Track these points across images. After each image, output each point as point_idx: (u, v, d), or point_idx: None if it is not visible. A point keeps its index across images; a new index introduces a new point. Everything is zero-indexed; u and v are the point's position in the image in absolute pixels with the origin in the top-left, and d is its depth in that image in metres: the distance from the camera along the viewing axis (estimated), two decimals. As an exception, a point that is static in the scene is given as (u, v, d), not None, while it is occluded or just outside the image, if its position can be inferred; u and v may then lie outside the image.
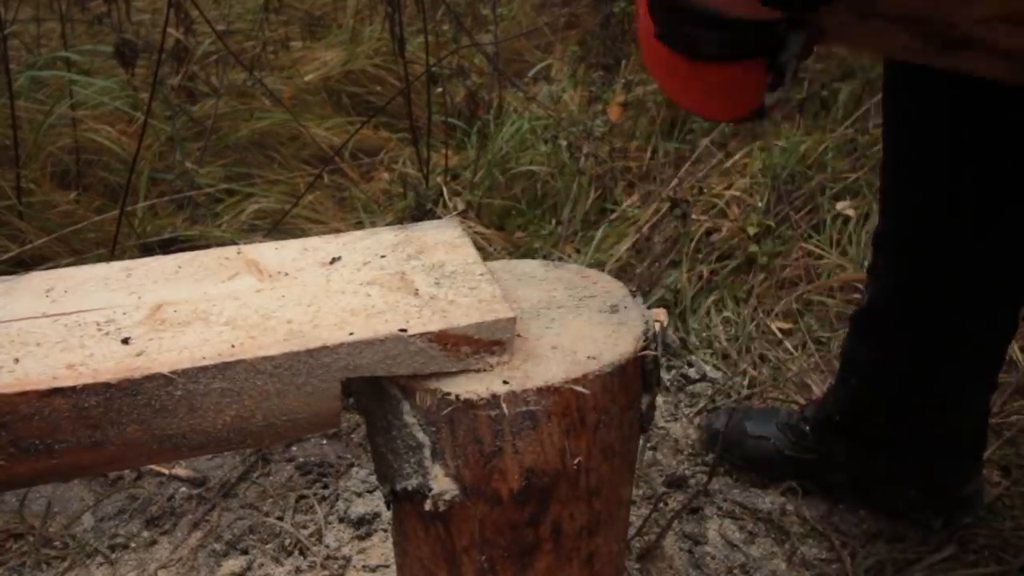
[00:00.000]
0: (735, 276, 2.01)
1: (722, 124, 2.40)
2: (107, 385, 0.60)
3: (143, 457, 0.65)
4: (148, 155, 2.31)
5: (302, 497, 1.41)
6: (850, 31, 0.75)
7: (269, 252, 0.80)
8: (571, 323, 0.77)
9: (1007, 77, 0.79)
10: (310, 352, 0.64)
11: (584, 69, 2.83)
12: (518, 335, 0.73)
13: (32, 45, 2.68)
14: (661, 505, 1.39)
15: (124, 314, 0.69)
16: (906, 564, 1.27)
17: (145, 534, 1.34)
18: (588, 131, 2.28)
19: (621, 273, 2.02)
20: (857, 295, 1.89)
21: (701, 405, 1.63)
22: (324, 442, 1.54)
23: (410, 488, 0.71)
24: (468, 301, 0.71)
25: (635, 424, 0.78)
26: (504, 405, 0.68)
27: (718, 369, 1.74)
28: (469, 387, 0.68)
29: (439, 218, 0.90)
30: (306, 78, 2.83)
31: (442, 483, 0.70)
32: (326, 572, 1.26)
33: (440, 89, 2.55)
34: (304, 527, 1.35)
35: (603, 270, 1.73)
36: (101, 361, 0.62)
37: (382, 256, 0.79)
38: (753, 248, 2.02)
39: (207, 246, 1.69)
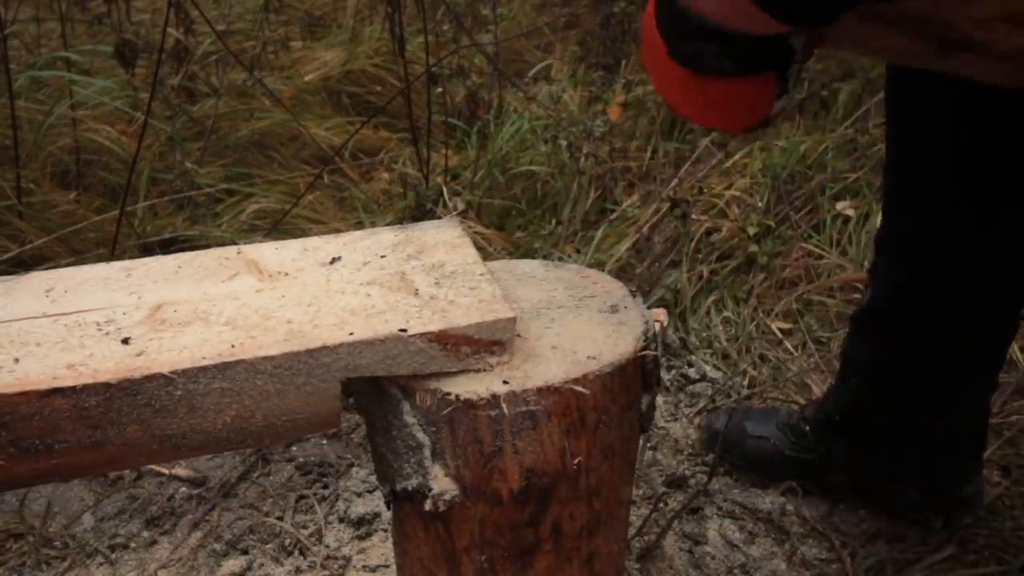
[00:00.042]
0: (735, 276, 2.01)
1: (722, 125, 2.39)
2: (107, 385, 0.60)
3: (143, 457, 0.65)
4: (148, 155, 2.31)
5: (302, 497, 1.41)
6: (850, 34, 0.75)
7: (269, 252, 0.80)
8: (571, 323, 0.77)
9: (1006, 81, 0.79)
10: (310, 352, 0.64)
11: (584, 69, 2.83)
12: (518, 335, 0.73)
13: (32, 45, 2.68)
14: (661, 505, 1.39)
15: (124, 314, 0.69)
16: (906, 564, 1.27)
17: (145, 534, 1.34)
18: (588, 131, 2.28)
19: (621, 273, 2.02)
20: (857, 295, 1.89)
21: (701, 405, 1.63)
22: (324, 442, 1.54)
23: (410, 488, 0.71)
24: (468, 301, 0.71)
25: (635, 424, 0.78)
26: (504, 405, 0.68)
27: (718, 369, 1.74)
28: (469, 387, 0.68)
29: (439, 218, 0.90)
30: (306, 78, 2.83)
31: (442, 483, 0.70)
32: (326, 572, 1.26)
33: (440, 89, 2.55)
34: (304, 527, 1.35)
35: (603, 270, 1.73)
36: (101, 361, 0.62)
37: (382, 256, 0.79)
38: (753, 248, 2.02)
39: (207, 246, 1.69)
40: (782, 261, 2.01)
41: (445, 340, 0.68)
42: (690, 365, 1.74)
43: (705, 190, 2.23)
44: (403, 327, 0.67)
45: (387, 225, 1.59)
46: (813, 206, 2.17)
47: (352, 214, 2.29)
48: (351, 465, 1.47)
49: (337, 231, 0.88)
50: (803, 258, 2.00)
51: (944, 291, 1.14)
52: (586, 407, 0.70)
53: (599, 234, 2.10)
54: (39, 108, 2.33)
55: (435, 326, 0.68)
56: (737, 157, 2.37)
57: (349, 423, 1.57)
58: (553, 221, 2.25)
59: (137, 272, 0.76)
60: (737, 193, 2.22)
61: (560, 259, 2.01)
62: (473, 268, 0.77)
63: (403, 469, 0.71)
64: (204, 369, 0.62)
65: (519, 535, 0.73)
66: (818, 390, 1.64)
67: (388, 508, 0.79)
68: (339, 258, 0.79)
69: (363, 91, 2.88)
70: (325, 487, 1.43)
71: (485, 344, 0.69)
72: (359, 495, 1.40)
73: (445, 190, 2.24)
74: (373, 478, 1.42)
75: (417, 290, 0.73)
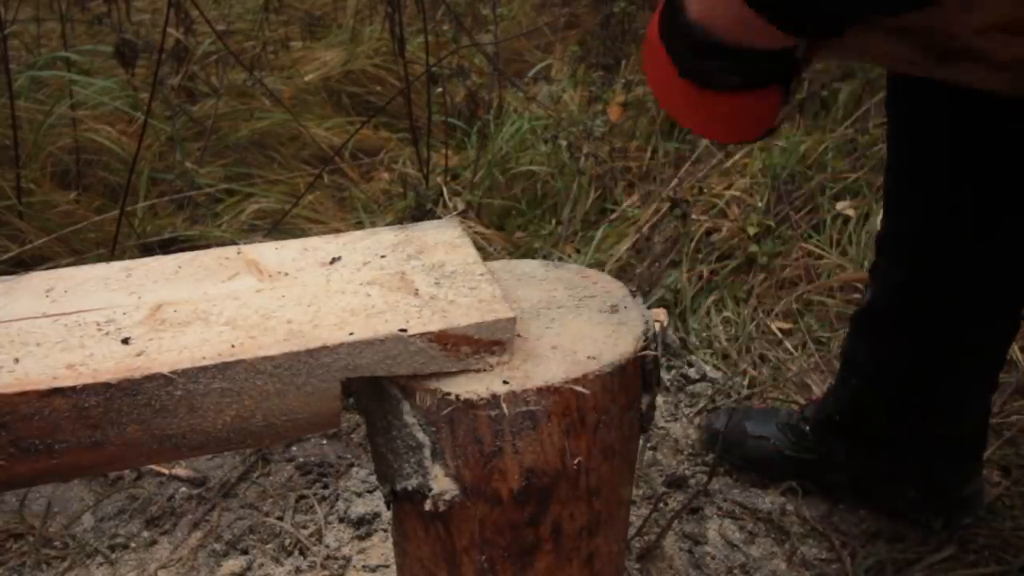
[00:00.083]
0: (735, 276, 2.01)
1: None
2: (107, 385, 0.60)
3: (143, 457, 0.65)
4: (148, 155, 2.31)
5: (302, 497, 1.41)
6: (850, 42, 0.75)
7: (269, 252, 0.80)
8: (571, 323, 0.77)
9: (1005, 89, 0.79)
10: (310, 352, 0.64)
11: (584, 69, 2.83)
12: (518, 335, 0.73)
13: (32, 45, 2.68)
14: (661, 505, 1.39)
15: (124, 314, 0.69)
16: (906, 564, 1.27)
17: (145, 534, 1.34)
18: (588, 131, 2.28)
19: (621, 273, 2.02)
20: (857, 295, 1.89)
21: (701, 405, 1.63)
22: (324, 442, 1.54)
23: (410, 488, 0.71)
24: (468, 301, 0.71)
25: (635, 424, 0.78)
26: (504, 405, 0.68)
27: (718, 369, 1.74)
28: (469, 387, 0.68)
29: (439, 218, 0.90)
30: (306, 78, 2.83)
31: (442, 483, 0.70)
32: (326, 572, 1.26)
33: (440, 89, 2.55)
34: (304, 527, 1.35)
35: (603, 270, 1.73)
36: (101, 361, 0.62)
37: (382, 256, 0.79)
38: (753, 248, 2.02)
39: (207, 246, 1.69)
40: (782, 261, 2.01)
41: (445, 340, 0.68)
42: (690, 365, 1.74)
43: (705, 190, 2.23)
44: (403, 327, 0.67)
45: (387, 225, 1.59)
46: (813, 206, 2.17)
47: (352, 214, 2.29)
48: (351, 465, 1.47)
49: (337, 231, 0.88)
50: (803, 258, 2.00)
51: (945, 292, 1.14)
52: (586, 407, 0.70)
53: (599, 234, 2.10)
54: (39, 108, 2.33)
55: (435, 326, 0.68)
56: (737, 157, 2.37)
57: (349, 423, 1.57)
58: (553, 221, 2.25)
59: (137, 272, 0.76)
60: (737, 193, 2.22)
61: (560, 259, 2.01)
62: (473, 268, 0.77)
63: (403, 469, 0.71)
64: (204, 369, 0.62)
65: (519, 535, 0.73)
66: (818, 390, 1.64)
67: (388, 508, 0.79)
68: (339, 258, 0.79)
69: (363, 91, 2.88)
70: (325, 487, 1.43)
71: (485, 344, 0.69)
72: (359, 495, 1.40)
73: (445, 190, 2.24)
74: (373, 478, 1.42)
75: (417, 290, 0.73)
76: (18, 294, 0.72)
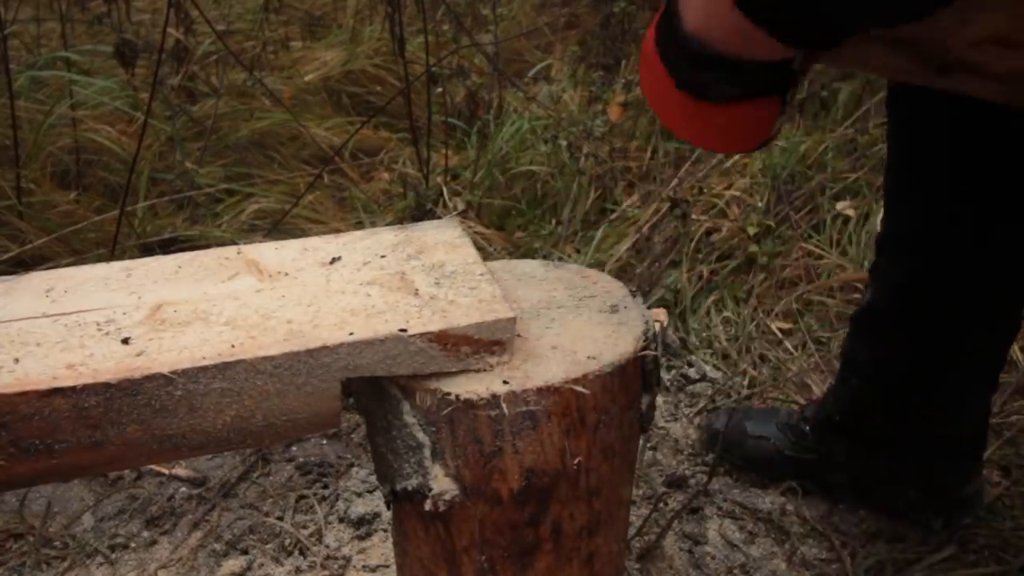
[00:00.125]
0: (735, 276, 2.01)
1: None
2: (107, 385, 0.60)
3: (143, 457, 0.65)
4: (148, 155, 2.31)
5: (302, 497, 1.41)
6: (847, 53, 0.75)
7: (269, 252, 0.80)
8: (571, 323, 0.77)
9: (1000, 99, 0.79)
10: (310, 352, 0.64)
11: (584, 69, 2.83)
12: (518, 335, 0.73)
13: (32, 45, 2.68)
14: (661, 505, 1.39)
15: (124, 314, 0.69)
16: (906, 564, 1.27)
17: (145, 534, 1.34)
18: (588, 131, 2.28)
19: (621, 273, 2.02)
20: (857, 295, 1.89)
21: (701, 405, 1.63)
22: (324, 442, 1.54)
23: (410, 488, 0.71)
24: (468, 301, 0.71)
25: (635, 424, 0.78)
26: (504, 405, 0.67)
27: (718, 369, 1.74)
28: (469, 387, 0.68)
29: (439, 218, 0.90)
30: (306, 78, 2.83)
31: (442, 483, 0.70)
32: (326, 572, 1.26)
33: (440, 89, 2.55)
34: (304, 527, 1.35)
35: (603, 270, 1.73)
36: (101, 361, 0.62)
37: (382, 256, 0.79)
38: (753, 248, 2.02)
39: (207, 246, 1.69)
40: (782, 261, 2.01)
41: (445, 340, 0.68)
42: (690, 365, 1.74)
43: (705, 190, 2.23)
44: (403, 327, 0.67)
45: (387, 225, 1.59)
46: (813, 206, 2.17)
47: (352, 214, 2.29)
48: (351, 465, 1.47)
49: (337, 231, 0.88)
50: (803, 258, 2.00)
51: (945, 292, 1.14)
52: (586, 407, 0.70)
53: (599, 234, 2.10)
54: (39, 108, 2.33)
55: (435, 326, 0.68)
56: (737, 157, 2.37)
57: (349, 423, 1.57)
58: (553, 221, 2.25)
59: (137, 272, 0.76)
60: (737, 193, 2.22)
61: (560, 259, 2.01)
62: (473, 268, 0.77)
63: (403, 469, 0.71)
64: (204, 369, 0.62)
65: (519, 535, 0.73)
66: (818, 390, 1.64)
67: (388, 508, 0.79)
68: (339, 258, 0.79)
69: (363, 91, 2.88)
70: (325, 487, 1.43)
71: (485, 344, 0.69)
72: (359, 495, 1.40)
73: (445, 190, 2.24)
74: (373, 478, 1.42)
75: (417, 290, 0.73)
76: (18, 294, 0.72)
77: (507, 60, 3.02)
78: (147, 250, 2.01)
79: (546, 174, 2.34)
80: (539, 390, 0.68)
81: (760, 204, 2.17)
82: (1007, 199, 1.05)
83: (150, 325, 0.67)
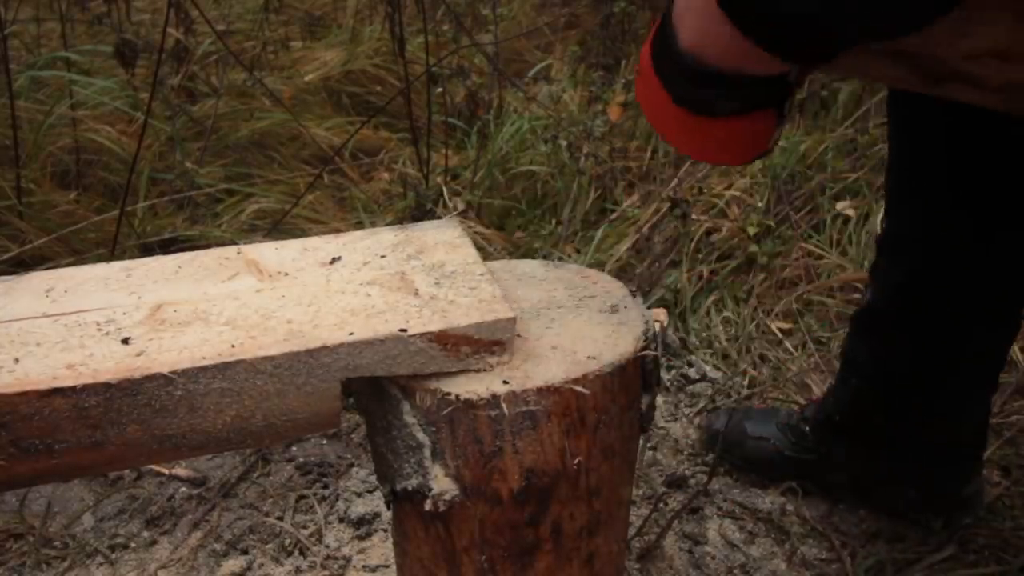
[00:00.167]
0: (735, 276, 2.01)
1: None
2: (107, 385, 0.60)
3: (143, 457, 0.65)
4: (148, 155, 2.31)
5: (302, 497, 1.41)
6: (844, 63, 0.75)
7: (269, 252, 0.80)
8: (571, 323, 0.77)
9: (998, 108, 0.79)
10: (310, 352, 0.64)
11: (584, 69, 2.83)
12: (518, 335, 0.73)
13: (32, 45, 2.68)
14: (661, 505, 1.39)
15: (124, 314, 0.69)
16: (906, 564, 1.27)
17: (145, 534, 1.34)
18: (588, 131, 2.28)
19: (621, 273, 2.02)
20: (857, 295, 1.89)
21: (701, 405, 1.63)
22: (324, 442, 1.54)
23: (410, 488, 0.71)
24: (468, 301, 0.71)
25: (635, 424, 0.78)
26: (504, 405, 0.67)
27: (718, 369, 1.74)
28: (469, 387, 0.68)
29: (439, 218, 0.90)
30: (306, 78, 2.83)
31: (442, 483, 0.70)
32: (326, 572, 1.26)
33: (440, 89, 2.55)
34: (304, 527, 1.35)
35: (603, 270, 1.73)
36: (101, 361, 0.62)
37: (382, 256, 0.79)
38: (753, 248, 2.02)
39: (207, 246, 1.69)
40: (782, 261, 2.01)
41: (445, 340, 0.68)
42: (690, 365, 1.74)
43: (705, 190, 2.23)
44: (403, 327, 0.67)
45: (387, 225, 1.59)
46: (813, 206, 2.17)
47: (352, 214, 2.29)
48: (351, 465, 1.47)
49: (337, 231, 0.88)
50: (803, 258, 2.00)
51: (945, 292, 1.14)
52: (586, 407, 0.70)
53: (599, 234, 2.10)
54: (39, 108, 2.33)
55: (435, 326, 0.68)
56: (737, 157, 2.37)
57: (349, 423, 1.57)
58: (553, 221, 2.25)
59: (137, 272, 0.76)
60: (737, 193, 2.22)
61: (560, 259, 2.01)
62: (473, 268, 0.77)
63: (403, 469, 0.71)
64: (204, 369, 0.62)
65: (519, 535, 0.73)
66: (818, 390, 1.64)
67: (388, 508, 0.79)
68: (339, 258, 0.79)
69: (363, 91, 2.88)
70: (325, 487, 1.43)
71: (485, 344, 0.69)
72: (359, 495, 1.40)
73: (445, 190, 2.24)
74: (373, 478, 1.42)
75: (417, 290, 0.73)
76: (18, 294, 0.72)
77: (507, 60, 3.02)
78: (147, 250, 2.01)
79: (546, 174, 2.34)
80: (539, 390, 0.68)
81: (760, 204, 2.17)
82: (1007, 201, 1.06)
83: (150, 325, 0.67)
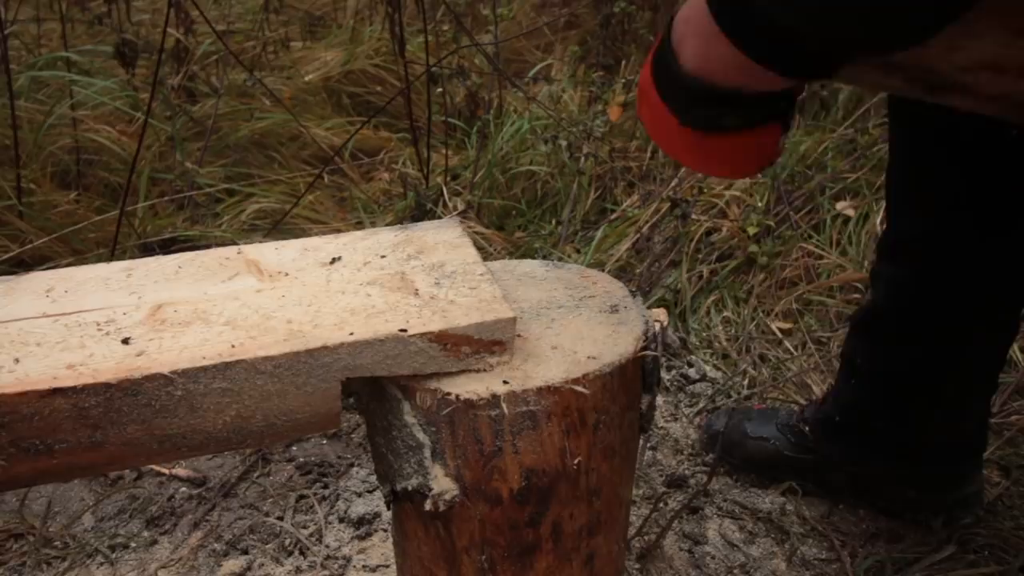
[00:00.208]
0: (735, 276, 2.01)
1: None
2: (107, 385, 0.60)
3: (143, 457, 0.65)
4: (148, 155, 2.31)
5: (302, 497, 1.41)
6: (842, 73, 0.76)
7: (269, 252, 0.80)
8: (571, 323, 0.77)
9: (996, 115, 0.79)
10: (310, 352, 0.64)
11: (584, 69, 2.83)
12: (518, 335, 0.73)
13: (32, 45, 2.68)
14: (661, 505, 1.39)
15: (124, 314, 0.69)
16: (906, 564, 1.27)
17: (145, 534, 1.34)
18: (588, 131, 2.28)
19: (621, 273, 2.02)
20: (857, 295, 1.89)
21: (701, 405, 1.63)
22: (324, 442, 1.54)
23: (410, 488, 0.71)
24: (468, 301, 0.71)
25: (635, 424, 0.78)
26: (504, 405, 0.68)
27: (718, 369, 1.74)
28: (469, 387, 0.68)
29: (439, 218, 0.90)
30: (306, 78, 2.83)
31: (442, 483, 0.70)
32: (326, 572, 1.26)
33: (440, 89, 2.55)
34: (304, 527, 1.35)
35: (603, 270, 1.73)
36: (101, 361, 0.62)
37: (382, 256, 0.79)
38: (753, 248, 2.02)
39: (207, 246, 1.69)
40: (782, 261, 2.01)
41: (445, 340, 0.68)
42: (690, 365, 1.74)
43: (705, 190, 2.23)
44: (403, 327, 0.67)
45: (387, 225, 1.59)
46: (813, 206, 2.17)
47: (352, 214, 2.29)
48: (351, 465, 1.47)
49: (337, 231, 0.88)
50: (803, 258, 2.00)
51: (945, 293, 1.14)
52: (586, 407, 0.70)
53: (599, 234, 2.10)
54: (39, 108, 2.34)
55: (435, 326, 0.68)
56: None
57: (349, 423, 1.57)
58: (553, 221, 2.24)
59: (137, 272, 0.76)
60: (737, 193, 2.22)
61: (560, 259, 2.01)
62: (473, 268, 0.77)
63: (403, 469, 0.71)
64: (204, 369, 0.62)
65: (519, 535, 0.73)
66: (818, 390, 1.64)
67: (388, 508, 0.79)
68: (339, 258, 0.79)
69: (363, 91, 2.88)
70: (325, 487, 1.43)
71: (485, 344, 0.69)
72: (359, 495, 1.40)
73: (445, 190, 2.24)
74: (373, 478, 1.42)
75: (417, 290, 0.73)
76: (18, 294, 0.72)
77: (507, 60, 3.02)
78: (147, 250, 2.01)
79: (546, 174, 2.34)
80: (539, 390, 0.68)
81: (760, 204, 2.17)
82: (1007, 202, 1.06)
83: (150, 325, 0.67)
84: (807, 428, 1.37)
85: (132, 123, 2.45)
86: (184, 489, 1.43)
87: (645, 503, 1.39)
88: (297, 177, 2.42)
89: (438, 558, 0.76)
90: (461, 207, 2.20)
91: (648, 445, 1.52)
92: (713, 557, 1.30)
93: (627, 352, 0.73)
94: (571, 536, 0.75)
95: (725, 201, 2.19)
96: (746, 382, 1.69)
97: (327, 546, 1.30)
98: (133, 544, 1.32)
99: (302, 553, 1.30)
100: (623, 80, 2.47)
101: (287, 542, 1.32)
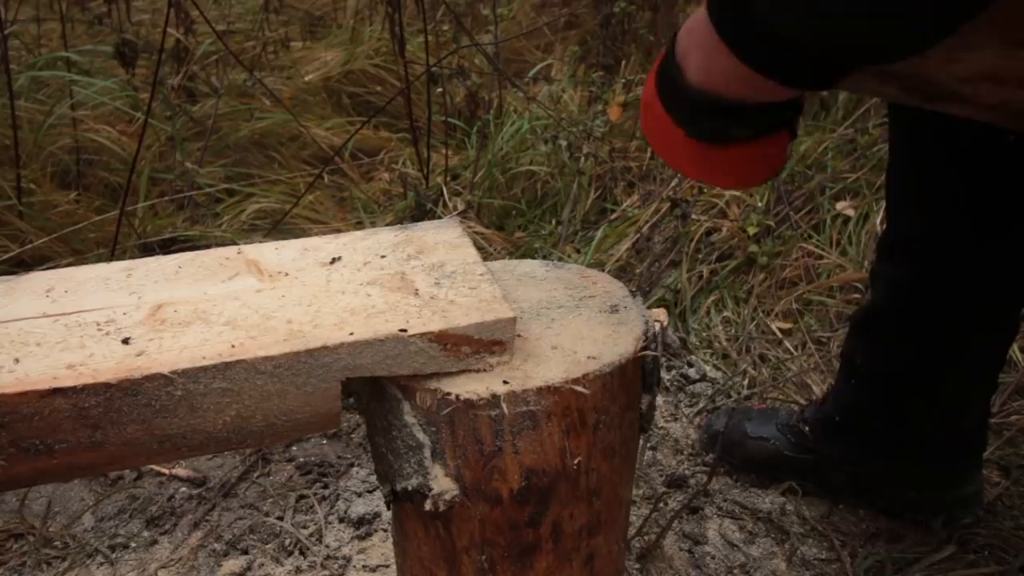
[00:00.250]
0: (735, 276, 2.01)
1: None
2: (107, 385, 0.60)
3: (143, 457, 0.65)
4: (148, 155, 2.31)
5: (302, 497, 1.41)
6: (840, 81, 0.76)
7: (269, 252, 0.80)
8: (571, 323, 0.77)
9: (994, 122, 0.79)
10: (310, 352, 0.64)
11: (584, 69, 2.83)
12: (518, 335, 0.73)
13: (32, 45, 2.69)
14: (661, 505, 1.39)
15: (124, 314, 0.69)
16: (906, 564, 1.27)
17: (145, 534, 1.34)
18: (588, 131, 2.28)
19: (621, 273, 2.02)
20: (857, 295, 1.89)
21: (701, 405, 1.63)
22: (324, 442, 1.54)
23: (410, 488, 0.71)
24: (468, 301, 0.71)
25: (635, 424, 0.78)
26: (504, 405, 0.68)
27: (718, 369, 1.74)
28: (469, 387, 0.68)
29: (439, 218, 0.90)
30: (306, 78, 2.83)
31: (442, 483, 0.70)
32: (326, 572, 1.26)
33: (440, 89, 2.55)
34: (304, 527, 1.35)
35: (603, 270, 1.73)
36: (101, 361, 0.62)
37: (382, 256, 0.79)
38: (753, 248, 2.02)
39: (207, 246, 1.69)
40: (782, 261, 2.01)
41: (445, 340, 0.68)
42: (690, 365, 1.74)
43: (705, 190, 2.23)
44: (403, 327, 0.67)
45: (387, 225, 1.59)
46: (813, 206, 2.17)
47: (352, 214, 2.29)
48: (351, 465, 1.47)
49: (337, 231, 0.88)
50: (803, 258, 2.00)
51: (945, 294, 1.15)
52: (586, 407, 0.70)
53: (599, 234, 2.10)
54: (39, 108, 2.34)
55: (435, 326, 0.68)
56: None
57: (349, 423, 1.57)
58: (553, 221, 2.25)
59: (137, 272, 0.76)
60: (737, 193, 2.22)
61: (560, 259, 2.01)
62: (473, 268, 0.77)
63: (403, 469, 0.71)
64: (204, 369, 0.62)
65: (519, 535, 0.73)
66: (818, 390, 1.64)
67: (388, 508, 0.79)
68: (339, 258, 0.79)
69: (363, 91, 2.88)
70: (325, 487, 1.43)
71: (485, 344, 0.69)
72: (359, 495, 1.40)
73: (445, 190, 2.24)
74: (373, 478, 1.42)
75: (417, 290, 0.73)
76: (18, 294, 0.72)
77: (507, 60, 3.02)
78: (147, 250, 2.01)
79: (546, 174, 2.34)
80: (539, 390, 0.68)
81: (760, 204, 2.17)
82: (1006, 202, 1.06)
83: (150, 325, 0.67)
84: (807, 428, 1.37)
85: (132, 123, 2.45)
86: (184, 489, 1.43)
87: (645, 503, 1.39)
88: (297, 177, 2.42)
89: (438, 558, 0.76)
90: (461, 207, 2.20)
91: (648, 445, 1.52)
92: (713, 557, 1.30)
93: (627, 352, 0.73)
94: (571, 536, 0.75)
95: (725, 201, 2.19)
96: (746, 382, 1.69)
97: (327, 546, 1.30)
98: (133, 544, 1.32)
99: (302, 553, 1.30)
100: (623, 80, 2.47)
101: (287, 542, 1.32)
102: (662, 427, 1.58)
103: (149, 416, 0.63)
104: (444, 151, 2.40)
